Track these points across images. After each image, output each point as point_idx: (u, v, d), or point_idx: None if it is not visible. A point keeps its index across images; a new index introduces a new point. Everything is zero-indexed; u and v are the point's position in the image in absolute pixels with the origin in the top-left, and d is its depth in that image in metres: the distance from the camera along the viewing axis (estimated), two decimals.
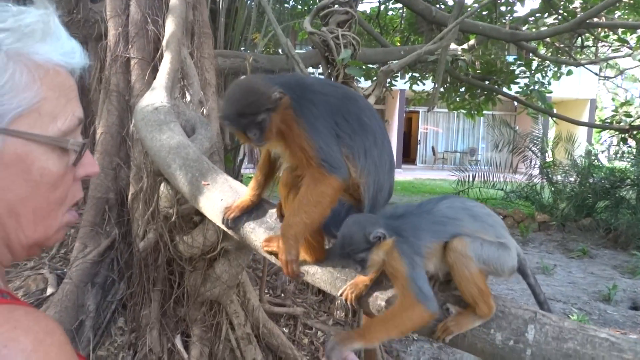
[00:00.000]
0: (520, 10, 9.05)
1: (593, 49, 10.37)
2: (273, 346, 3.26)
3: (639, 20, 8.25)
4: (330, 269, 1.44)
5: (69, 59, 0.71)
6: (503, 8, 7.74)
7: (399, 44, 9.21)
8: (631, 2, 7.64)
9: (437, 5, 7.66)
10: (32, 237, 0.70)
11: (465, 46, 7.52)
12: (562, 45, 8.57)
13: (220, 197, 1.77)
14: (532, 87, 7.77)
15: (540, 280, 6.51)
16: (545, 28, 7.77)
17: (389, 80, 8.09)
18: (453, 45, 7.02)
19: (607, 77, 16.91)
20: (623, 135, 8.58)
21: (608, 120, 9.21)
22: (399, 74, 8.58)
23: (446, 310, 1.24)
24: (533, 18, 8.16)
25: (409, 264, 1.15)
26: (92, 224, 3.27)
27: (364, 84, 7.90)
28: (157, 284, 3.05)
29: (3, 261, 0.71)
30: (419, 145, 24.39)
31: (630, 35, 8.99)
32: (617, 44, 9.27)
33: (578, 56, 9.49)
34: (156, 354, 2.89)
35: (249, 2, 6.59)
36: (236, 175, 5.03)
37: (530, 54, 8.66)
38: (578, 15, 6.47)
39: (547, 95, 7.90)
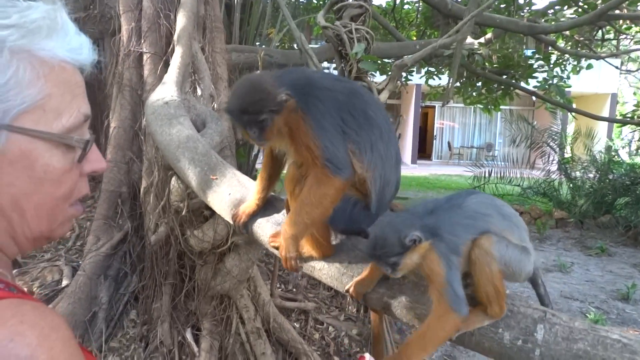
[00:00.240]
0: (539, 3, 8.87)
1: (614, 41, 10.13)
2: (283, 341, 3.26)
3: None
4: (337, 264, 1.43)
5: (75, 55, 0.71)
6: (521, 0, 7.59)
7: (415, 39, 9.12)
8: None
9: None
10: (36, 230, 0.71)
11: (482, 40, 7.39)
12: (582, 39, 8.38)
13: (229, 191, 1.77)
14: (550, 82, 7.60)
15: (557, 278, 6.47)
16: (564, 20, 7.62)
17: (404, 74, 8.02)
18: (469, 39, 6.91)
19: (628, 71, 16.52)
20: None
21: (629, 115, 9.00)
22: (414, 69, 8.50)
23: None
24: (552, 11, 7.99)
25: (447, 266, 1.12)
26: (105, 217, 3.31)
27: (380, 78, 7.84)
28: (168, 278, 3.07)
29: (9, 253, 0.72)
30: (434, 141, 24.16)
31: None
32: (639, 36, 9.03)
33: (598, 49, 9.28)
34: (167, 347, 2.91)
35: None
36: (250, 170, 5.03)
37: (549, 47, 8.49)
38: (598, 7, 6.31)
39: (566, 89, 7.73)
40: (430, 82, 8.98)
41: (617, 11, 6.54)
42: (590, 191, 9.65)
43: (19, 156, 0.65)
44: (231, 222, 1.69)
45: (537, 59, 7.77)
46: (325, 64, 6.62)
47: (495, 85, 8.25)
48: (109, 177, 3.39)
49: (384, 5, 10.07)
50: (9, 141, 0.64)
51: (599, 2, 6.96)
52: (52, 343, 0.57)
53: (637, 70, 13.83)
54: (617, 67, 12.20)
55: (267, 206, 1.63)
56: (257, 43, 6.52)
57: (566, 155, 10.77)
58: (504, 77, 7.96)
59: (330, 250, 1.43)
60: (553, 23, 7.63)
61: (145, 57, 3.36)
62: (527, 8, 7.58)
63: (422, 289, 1.26)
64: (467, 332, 1.20)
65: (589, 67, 8.53)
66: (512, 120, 11.73)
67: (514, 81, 7.99)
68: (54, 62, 0.67)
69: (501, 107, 8.89)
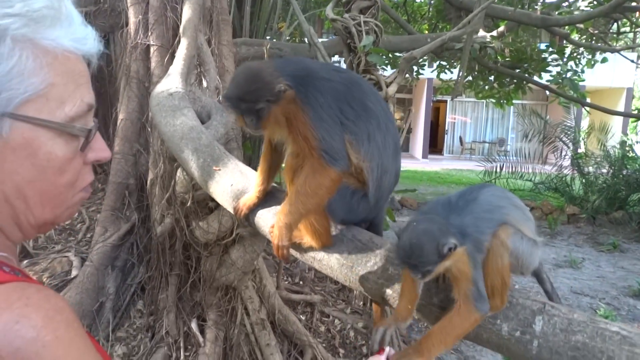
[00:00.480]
0: None
1: (630, 34, 9.94)
2: (288, 332, 3.27)
3: None
4: (337, 255, 1.43)
5: (80, 45, 0.71)
6: None
7: (427, 32, 9.03)
8: None
9: None
10: (40, 217, 0.72)
11: (494, 33, 7.30)
12: (596, 32, 8.22)
13: (231, 181, 1.77)
14: (564, 76, 7.49)
15: (567, 273, 6.40)
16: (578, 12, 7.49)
17: (415, 68, 7.95)
18: (482, 32, 6.83)
19: None
20: None
21: None
22: (426, 62, 8.42)
23: (452, 299, 1.21)
24: (566, 4, 7.85)
25: (473, 266, 1.11)
26: (112, 208, 3.34)
27: (390, 72, 7.79)
28: (174, 269, 3.09)
29: (14, 239, 0.73)
30: (446, 135, 23.98)
31: None
32: None
33: (614, 43, 9.11)
34: (173, 337, 2.94)
35: None
36: (257, 162, 5.04)
37: (564, 41, 8.35)
38: None
39: (580, 83, 7.61)
40: (442, 76, 8.89)
41: (633, 3, 6.41)
42: (603, 187, 9.51)
43: (22, 144, 0.65)
44: (233, 213, 1.70)
45: (551, 53, 7.64)
46: (335, 58, 6.59)
47: (508, 79, 8.13)
48: (117, 169, 3.42)
49: None
50: (12, 129, 0.64)
51: None
52: (56, 325, 0.59)
53: None
54: (632, 61, 11.98)
55: (268, 198, 1.63)
56: (268, 37, 6.51)
57: (579, 151, 10.62)
58: (517, 70, 7.84)
59: (330, 241, 1.43)
60: (567, 15, 7.51)
61: (152, 49, 3.37)
62: (541, 1, 7.45)
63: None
64: None
65: (604, 60, 8.39)
66: (525, 114, 11.57)
67: (527, 75, 7.87)
68: (57, 52, 0.68)
69: (514, 101, 8.77)
